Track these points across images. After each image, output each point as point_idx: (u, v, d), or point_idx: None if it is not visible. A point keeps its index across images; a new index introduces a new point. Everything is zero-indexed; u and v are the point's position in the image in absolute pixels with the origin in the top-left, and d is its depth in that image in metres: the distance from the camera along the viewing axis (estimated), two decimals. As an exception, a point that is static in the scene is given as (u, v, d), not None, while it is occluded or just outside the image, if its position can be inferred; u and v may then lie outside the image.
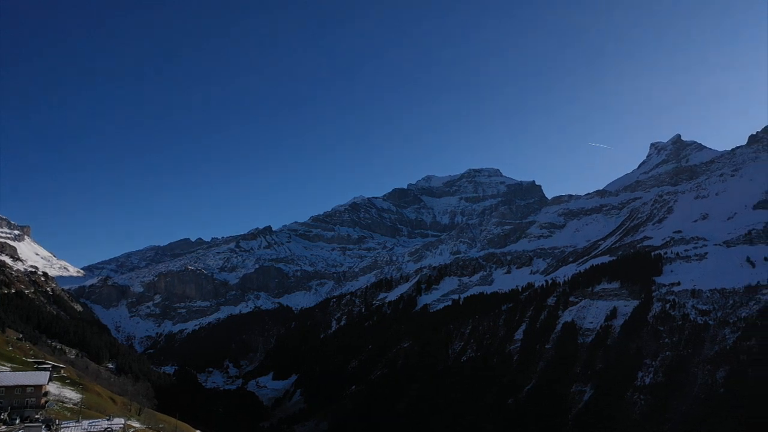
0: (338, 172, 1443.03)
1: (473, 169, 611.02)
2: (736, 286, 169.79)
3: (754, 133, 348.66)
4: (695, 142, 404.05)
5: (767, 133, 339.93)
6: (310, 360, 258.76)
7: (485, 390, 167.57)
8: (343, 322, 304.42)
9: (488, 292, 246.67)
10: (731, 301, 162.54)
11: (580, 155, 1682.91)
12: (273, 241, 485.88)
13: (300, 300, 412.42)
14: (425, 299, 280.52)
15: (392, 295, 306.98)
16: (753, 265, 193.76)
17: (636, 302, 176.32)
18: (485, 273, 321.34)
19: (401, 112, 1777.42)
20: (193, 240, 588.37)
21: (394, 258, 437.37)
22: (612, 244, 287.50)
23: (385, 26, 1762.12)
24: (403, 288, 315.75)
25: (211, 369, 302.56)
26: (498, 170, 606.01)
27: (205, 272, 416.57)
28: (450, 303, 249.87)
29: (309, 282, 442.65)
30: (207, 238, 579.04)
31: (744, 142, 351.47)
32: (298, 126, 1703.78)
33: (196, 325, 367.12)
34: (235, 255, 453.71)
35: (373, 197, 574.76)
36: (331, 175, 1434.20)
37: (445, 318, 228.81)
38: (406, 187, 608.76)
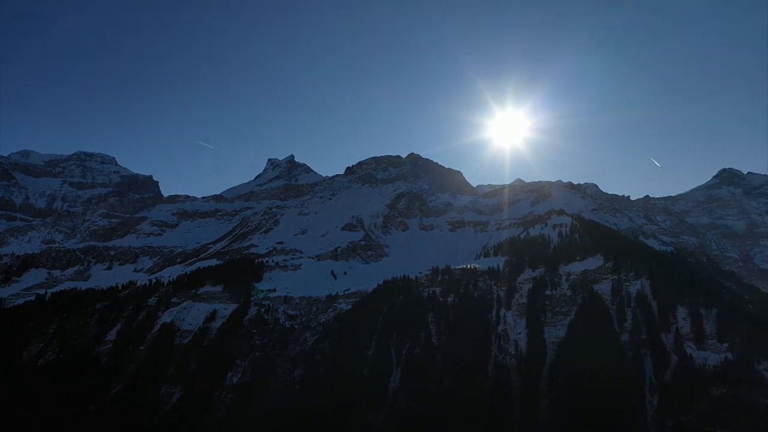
0: None
1: (85, 153, 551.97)
2: (321, 295, 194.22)
3: (351, 165, 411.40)
4: (305, 165, 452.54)
5: (360, 167, 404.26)
6: None
7: (66, 395, 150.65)
8: None
9: (83, 289, 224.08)
10: (315, 308, 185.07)
11: (202, 158, 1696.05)
12: None
13: None
14: (1, 293, 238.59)
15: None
16: (335, 277, 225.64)
17: (235, 306, 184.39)
18: (82, 267, 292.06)
19: None
20: None
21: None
22: (221, 249, 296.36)
23: None
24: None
25: None
26: (113, 158, 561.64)
27: None
28: (33, 298, 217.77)
29: None
30: None
31: (343, 171, 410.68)
32: None
33: None
34: None
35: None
36: None
37: (24, 315, 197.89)
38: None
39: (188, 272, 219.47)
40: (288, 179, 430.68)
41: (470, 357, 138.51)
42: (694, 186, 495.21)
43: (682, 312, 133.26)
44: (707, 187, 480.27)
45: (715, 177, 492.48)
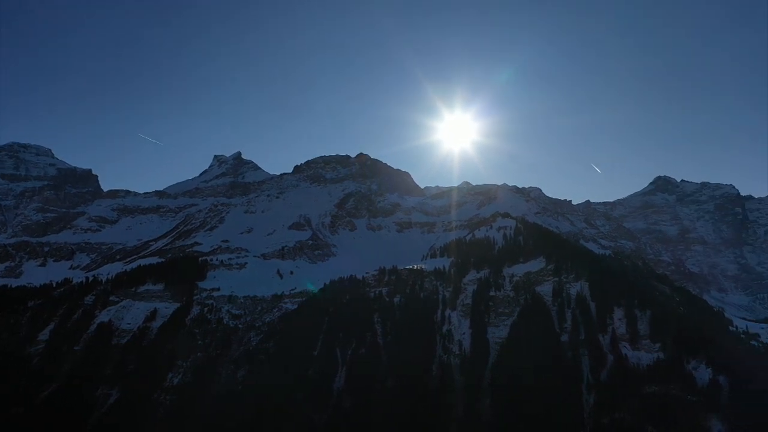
0: None
1: (18, 144, 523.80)
2: (266, 294, 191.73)
3: (299, 164, 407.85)
4: (252, 162, 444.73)
5: (309, 166, 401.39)
6: None
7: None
8: None
9: (14, 286, 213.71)
10: (260, 308, 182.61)
11: (144, 153, 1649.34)
12: None
13: None
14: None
15: None
16: (281, 276, 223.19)
17: (178, 305, 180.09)
18: (13, 263, 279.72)
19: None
20: None
21: None
22: (163, 246, 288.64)
23: None
24: None
25: None
26: (50, 150, 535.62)
27: None
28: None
29: None
30: None
31: (291, 170, 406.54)
32: None
33: None
34: None
35: None
36: None
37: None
38: None
39: (128, 270, 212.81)
40: (234, 176, 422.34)
41: (415, 357, 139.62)
42: (632, 192, 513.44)
43: (618, 313, 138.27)
44: (644, 193, 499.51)
45: (651, 184, 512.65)
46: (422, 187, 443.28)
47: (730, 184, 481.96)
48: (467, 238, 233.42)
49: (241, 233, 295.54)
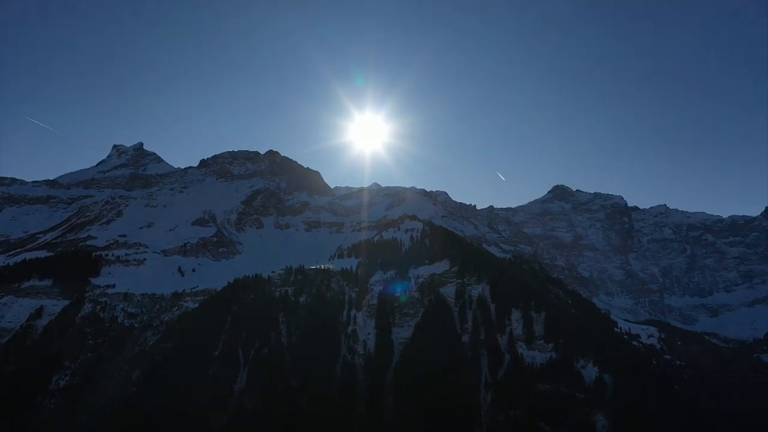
0: None
1: None
2: (165, 292, 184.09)
3: (206, 158, 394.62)
4: (155, 154, 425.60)
5: (216, 161, 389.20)
6: None
7: None
8: None
9: None
10: (158, 306, 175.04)
11: (33, 138, 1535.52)
12: None
13: None
14: None
15: None
16: (183, 274, 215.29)
17: (67, 302, 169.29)
18: None
19: None
20: None
21: None
22: (53, 239, 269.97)
23: None
24: None
25: None
26: None
27: None
28: None
29: None
30: None
31: (197, 164, 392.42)
32: None
33: None
34: None
35: None
36: None
37: None
38: None
39: (11, 264, 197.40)
40: (135, 168, 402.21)
41: (319, 357, 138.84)
42: (532, 199, 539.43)
43: (516, 314, 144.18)
44: (542, 201, 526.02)
45: (549, 192, 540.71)
46: (332, 187, 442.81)
47: (620, 195, 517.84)
48: (375, 239, 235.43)
49: (141, 228, 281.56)
